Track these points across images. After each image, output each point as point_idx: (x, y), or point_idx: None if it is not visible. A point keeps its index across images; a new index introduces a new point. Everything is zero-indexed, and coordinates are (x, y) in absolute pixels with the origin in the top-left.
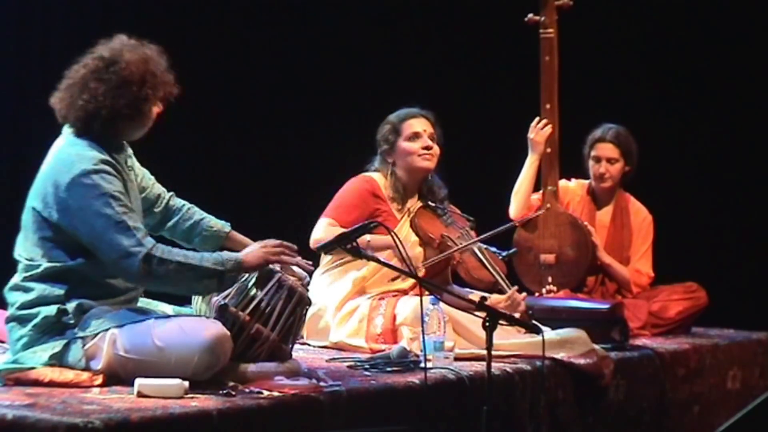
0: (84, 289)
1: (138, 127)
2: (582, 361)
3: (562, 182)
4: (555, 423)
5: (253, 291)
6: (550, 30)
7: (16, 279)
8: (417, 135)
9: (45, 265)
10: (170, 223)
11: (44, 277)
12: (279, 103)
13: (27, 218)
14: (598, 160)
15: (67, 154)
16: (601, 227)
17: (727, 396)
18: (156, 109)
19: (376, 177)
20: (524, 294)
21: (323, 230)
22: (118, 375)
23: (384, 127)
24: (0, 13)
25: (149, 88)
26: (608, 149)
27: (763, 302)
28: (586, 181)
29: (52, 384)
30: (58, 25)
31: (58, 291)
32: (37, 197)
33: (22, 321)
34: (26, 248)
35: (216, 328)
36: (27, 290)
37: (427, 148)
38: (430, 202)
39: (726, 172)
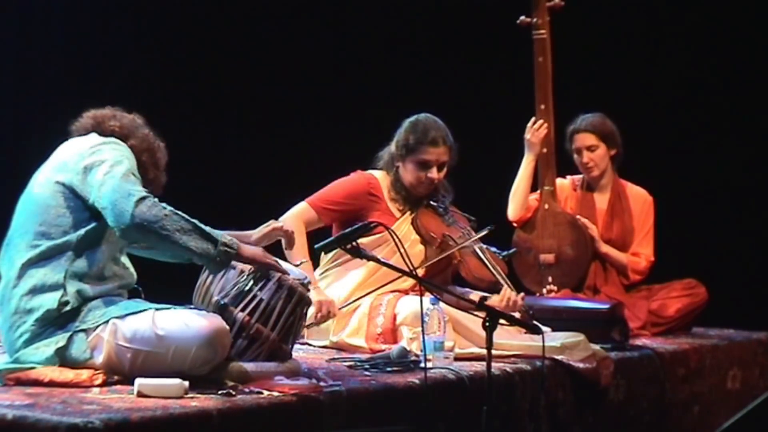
0: (81, 270)
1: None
2: (581, 366)
3: (557, 180)
4: (555, 423)
5: (253, 291)
6: (543, 31)
7: (12, 274)
8: (426, 164)
9: (47, 244)
10: None
11: (43, 258)
12: (279, 102)
13: (29, 200)
14: (579, 151)
15: (89, 139)
16: (600, 216)
17: (727, 396)
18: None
19: (378, 175)
20: (522, 294)
21: (294, 217)
22: (117, 366)
23: (403, 134)
24: (0, 15)
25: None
26: (585, 138)
27: (763, 302)
28: (579, 176)
29: (52, 384)
30: (58, 25)
31: (58, 275)
32: (56, 169)
33: (23, 314)
34: (26, 226)
35: (216, 322)
36: (25, 277)
37: (430, 180)
38: (432, 202)
39: (726, 172)
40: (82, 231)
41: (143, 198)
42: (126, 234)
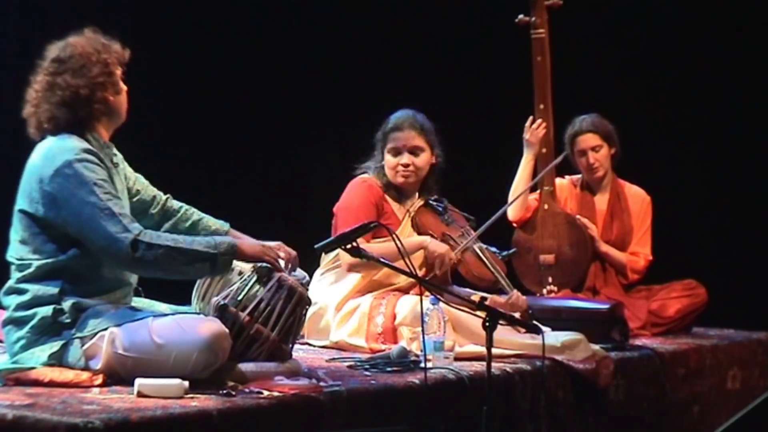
0: (77, 285)
1: (118, 99)
2: (580, 366)
3: (557, 180)
4: (555, 423)
5: (253, 291)
6: (541, 30)
7: (10, 282)
8: (397, 150)
9: (37, 263)
10: (168, 225)
11: (37, 277)
12: (278, 103)
13: (15, 223)
14: (583, 153)
15: (49, 149)
16: (600, 216)
17: (727, 396)
18: (122, 84)
19: (370, 177)
20: (526, 298)
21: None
22: (117, 374)
23: (378, 133)
24: (0, 14)
25: (105, 54)
26: (589, 139)
27: (763, 302)
28: (578, 176)
29: (52, 384)
30: (58, 25)
31: (53, 290)
32: (24, 197)
33: (19, 323)
34: (17, 249)
35: (215, 326)
36: (22, 292)
37: (404, 165)
38: (431, 201)
39: (726, 171)
40: (73, 251)
41: (134, 242)
42: (126, 270)
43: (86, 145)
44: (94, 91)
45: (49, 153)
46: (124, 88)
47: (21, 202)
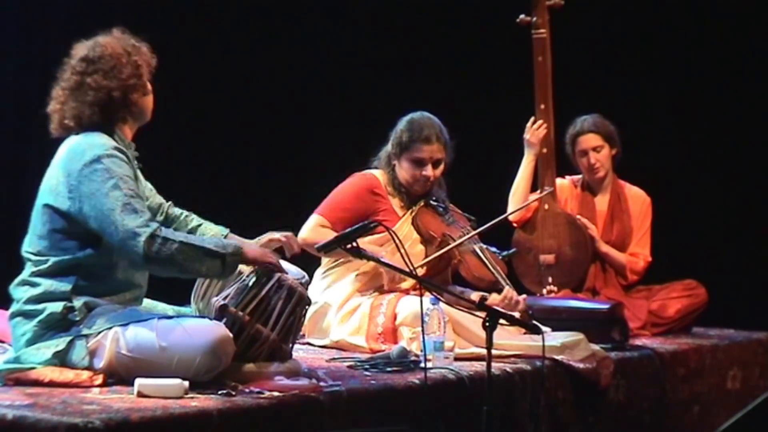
0: (90, 284)
1: (146, 100)
2: (581, 366)
3: (557, 181)
4: (555, 423)
5: (253, 291)
6: (542, 30)
7: (23, 274)
8: (421, 162)
9: (53, 259)
10: None
11: (52, 272)
12: (278, 103)
13: (37, 217)
14: (584, 153)
15: (78, 144)
16: (600, 217)
17: (727, 396)
18: (149, 86)
19: (377, 174)
20: (524, 296)
21: (312, 230)
22: (119, 374)
23: (398, 132)
24: (0, 15)
25: (135, 55)
26: (590, 139)
27: (763, 302)
28: (578, 176)
29: (52, 384)
30: (58, 25)
31: (65, 287)
32: (49, 191)
33: (27, 316)
34: (34, 243)
35: (219, 330)
36: (34, 285)
37: (426, 178)
38: (432, 201)
39: (726, 171)
40: (89, 251)
41: (151, 237)
42: (140, 269)
43: (114, 143)
44: (126, 93)
45: (78, 148)
46: (151, 90)
47: (45, 197)
